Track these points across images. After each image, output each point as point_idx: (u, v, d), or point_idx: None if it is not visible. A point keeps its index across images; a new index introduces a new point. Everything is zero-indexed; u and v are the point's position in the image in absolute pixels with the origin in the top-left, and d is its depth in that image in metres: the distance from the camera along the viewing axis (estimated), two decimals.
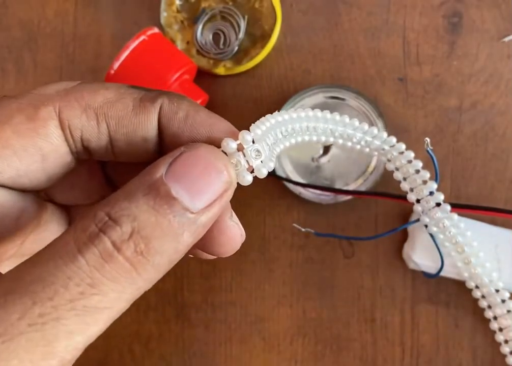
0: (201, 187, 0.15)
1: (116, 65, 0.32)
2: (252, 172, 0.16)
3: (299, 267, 0.35)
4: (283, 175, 0.34)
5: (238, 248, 0.18)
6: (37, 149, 0.16)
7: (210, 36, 0.36)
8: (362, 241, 0.35)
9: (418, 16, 0.36)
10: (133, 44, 0.32)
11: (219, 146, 0.16)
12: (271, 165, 0.17)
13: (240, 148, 0.16)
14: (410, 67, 0.35)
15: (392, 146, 0.26)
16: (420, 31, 0.36)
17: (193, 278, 0.36)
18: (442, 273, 0.32)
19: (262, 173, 0.17)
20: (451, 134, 0.35)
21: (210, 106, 0.35)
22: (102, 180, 0.20)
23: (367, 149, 0.26)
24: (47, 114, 0.16)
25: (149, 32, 0.32)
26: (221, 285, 0.36)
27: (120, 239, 0.14)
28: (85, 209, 0.16)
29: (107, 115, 0.16)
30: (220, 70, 0.36)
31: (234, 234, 0.17)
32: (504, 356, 0.32)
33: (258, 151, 0.16)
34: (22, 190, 0.17)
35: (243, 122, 0.36)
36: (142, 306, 0.36)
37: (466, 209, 0.30)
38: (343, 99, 0.34)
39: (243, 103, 0.36)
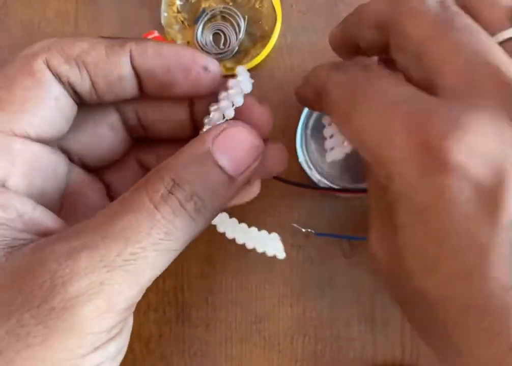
0: (240, 158, 0.19)
1: None
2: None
3: (299, 267, 0.35)
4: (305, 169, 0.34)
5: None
6: (48, 94, 0.19)
7: (211, 37, 0.36)
8: (362, 241, 0.35)
9: None
10: None
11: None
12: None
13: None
14: None
15: None
16: None
17: (193, 278, 0.36)
18: None
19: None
20: None
21: None
22: (127, 141, 0.23)
23: None
24: (39, 66, 0.19)
25: (150, 36, 0.32)
26: (221, 285, 0.36)
27: (185, 199, 0.17)
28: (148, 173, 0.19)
29: (85, 62, 0.19)
30: None
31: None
32: None
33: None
34: (51, 141, 0.20)
35: None
36: (142, 306, 0.36)
37: None
38: None
39: None
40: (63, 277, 0.16)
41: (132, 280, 0.16)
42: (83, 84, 0.19)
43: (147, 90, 0.21)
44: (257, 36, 0.36)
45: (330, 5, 0.36)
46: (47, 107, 0.19)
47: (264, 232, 0.25)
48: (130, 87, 0.20)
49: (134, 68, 0.20)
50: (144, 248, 0.17)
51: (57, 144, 0.21)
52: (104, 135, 0.22)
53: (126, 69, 0.19)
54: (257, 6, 0.36)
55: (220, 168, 0.18)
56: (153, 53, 0.19)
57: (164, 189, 0.17)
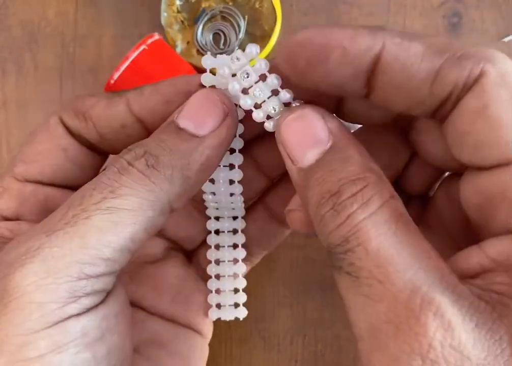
0: (203, 117, 0.18)
1: (116, 75, 0.31)
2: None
3: (299, 267, 0.35)
4: None
5: None
6: (57, 146, 0.21)
7: (211, 36, 0.36)
8: None
9: (418, 16, 0.36)
10: (133, 55, 0.31)
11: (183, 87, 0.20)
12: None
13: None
14: None
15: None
16: (420, 31, 0.36)
17: None
18: None
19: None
20: None
21: None
22: None
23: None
24: (54, 122, 0.21)
25: (149, 41, 0.32)
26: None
27: (134, 158, 0.17)
28: None
29: (91, 115, 0.20)
30: None
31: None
32: None
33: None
34: (71, 188, 0.21)
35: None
36: None
37: None
38: None
39: None
40: (7, 248, 0.16)
41: (74, 243, 0.15)
42: (91, 135, 0.21)
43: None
44: (257, 36, 0.36)
45: (330, 5, 0.36)
46: (56, 157, 0.21)
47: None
48: (135, 132, 0.21)
49: (134, 113, 0.20)
50: (84, 209, 0.16)
51: None
52: None
53: (126, 117, 0.20)
54: (257, 6, 0.36)
55: (181, 129, 0.18)
56: (149, 92, 0.20)
57: (116, 157, 0.18)
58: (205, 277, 0.25)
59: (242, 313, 0.25)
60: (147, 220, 0.17)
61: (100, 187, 0.16)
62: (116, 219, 0.16)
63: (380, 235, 0.15)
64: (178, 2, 0.36)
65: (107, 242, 0.16)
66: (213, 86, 0.20)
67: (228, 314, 0.24)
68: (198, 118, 0.18)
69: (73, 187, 0.22)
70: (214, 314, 0.24)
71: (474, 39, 0.35)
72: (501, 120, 0.14)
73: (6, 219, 0.20)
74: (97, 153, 0.22)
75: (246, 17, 0.36)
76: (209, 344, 0.36)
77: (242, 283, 0.24)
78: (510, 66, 0.15)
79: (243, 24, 0.36)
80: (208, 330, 0.26)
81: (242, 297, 0.24)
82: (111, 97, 0.20)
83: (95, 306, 0.16)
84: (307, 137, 0.17)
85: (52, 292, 0.15)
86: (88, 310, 0.16)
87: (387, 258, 0.14)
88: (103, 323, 0.16)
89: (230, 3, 0.36)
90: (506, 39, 0.35)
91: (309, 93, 0.18)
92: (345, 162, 0.16)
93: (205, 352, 0.25)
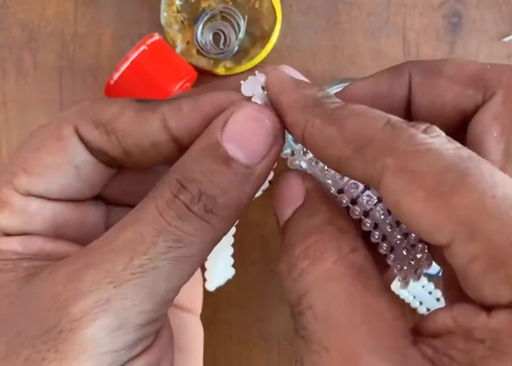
0: (254, 144, 0.17)
1: (116, 76, 0.31)
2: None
3: None
4: None
5: None
6: (69, 162, 0.18)
7: (211, 36, 0.36)
8: None
9: (418, 16, 0.36)
10: (133, 56, 0.31)
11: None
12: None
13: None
14: None
15: None
16: (420, 31, 0.36)
17: None
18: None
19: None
20: None
21: None
22: None
23: None
24: (67, 132, 0.18)
25: (149, 41, 0.32)
26: (221, 285, 0.36)
27: (191, 201, 0.16)
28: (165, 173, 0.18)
29: (114, 129, 0.18)
30: (220, 70, 0.36)
31: None
32: None
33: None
34: (76, 200, 0.20)
35: None
36: None
37: None
38: None
39: None
40: (68, 298, 0.15)
41: (143, 293, 0.16)
42: (113, 151, 0.19)
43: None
44: (257, 36, 0.36)
45: (330, 5, 0.36)
46: (66, 174, 0.19)
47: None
48: (167, 150, 0.19)
49: (169, 131, 0.18)
50: (151, 259, 0.16)
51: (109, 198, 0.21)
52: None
53: (159, 135, 0.18)
54: (257, 6, 0.36)
55: (231, 159, 0.16)
56: (189, 109, 0.18)
57: (170, 194, 0.16)
58: None
59: (230, 273, 0.25)
60: (205, 257, 0.17)
61: (163, 235, 0.16)
62: (182, 267, 0.16)
63: (329, 297, 0.15)
64: (178, 2, 0.36)
65: (173, 288, 0.16)
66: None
67: (221, 280, 0.25)
68: (249, 146, 0.17)
69: (81, 201, 0.20)
70: (211, 286, 0.25)
71: (474, 39, 0.35)
72: (414, 211, 0.14)
73: (9, 235, 0.19)
74: (114, 166, 0.20)
75: (246, 17, 0.36)
76: (209, 344, 0.36)
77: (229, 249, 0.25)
78: (409, 152, 0.14)
79: (242, 24, 0.36)
80: (200, 305, 0.26)
81: (229, 260, 0.25)
82: (141, 110, 0.18)
83: (153, 341, 0.17)
84: (286, 196, 0.18)
85: (124, 341, 0.15)
86: (149, 346, 0.17)
87: (334, 322, 0.14)
88: (160, 354, 0.17)
89: (230, 3, 0.36)
90: (506, 39, 0.35)
91: None
92: (310, 217, 0.17)
93: (201, 334, 0.25)
